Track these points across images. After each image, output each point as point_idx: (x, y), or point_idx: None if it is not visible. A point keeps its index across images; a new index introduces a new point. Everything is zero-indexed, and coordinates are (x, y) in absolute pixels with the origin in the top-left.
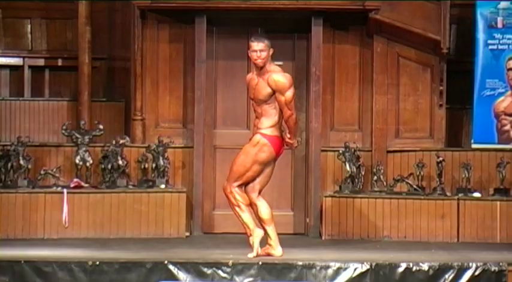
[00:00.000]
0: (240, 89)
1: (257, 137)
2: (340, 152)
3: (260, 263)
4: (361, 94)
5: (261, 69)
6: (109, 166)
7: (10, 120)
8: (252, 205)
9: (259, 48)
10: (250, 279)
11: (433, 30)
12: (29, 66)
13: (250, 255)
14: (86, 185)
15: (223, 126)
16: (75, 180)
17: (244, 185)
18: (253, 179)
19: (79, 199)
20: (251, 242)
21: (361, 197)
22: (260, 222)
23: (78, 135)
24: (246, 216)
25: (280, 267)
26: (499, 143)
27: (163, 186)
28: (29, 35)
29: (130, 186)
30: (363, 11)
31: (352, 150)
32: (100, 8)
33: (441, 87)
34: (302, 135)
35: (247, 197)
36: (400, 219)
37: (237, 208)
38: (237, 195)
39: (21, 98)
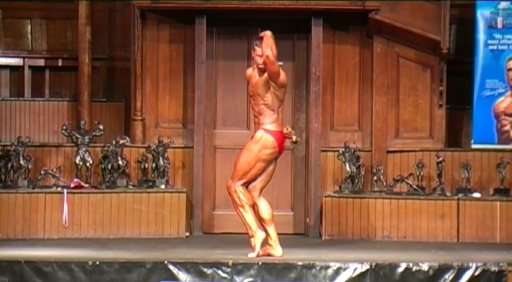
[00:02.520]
0: (240, 89)
1: (259, 133)
2: (340, 152)
3: (260, 263)
4: (361, 94)
5: (264, 72)
6: (109, 166)
7: (10, 121)
8: (253, 204)
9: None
10: (250, 279)
11: (433, 31)
12: (29, 67)
13: (251, 255)
14: (86, 185)
15: (223, 126)
16: (75, 180)
17: (248, 184)
18: (256, 177)
19: (79, 199)
20: (252, 244)
21: (361, 197)
22: (260, 221)
23: (78, 136)
24: (249, 217)
25: (280, 267)
26: (499, 143)
27: (163, 186)
28: (29, 35)
29: (130, 186)
30: (363, 11)
31: (352, 150)
32: (100, 8)
33: (441, 88)
34: (302, 135)
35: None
36: (400, 219)
37: (240, 208)
38: (241, 194)
39: (21, 98)
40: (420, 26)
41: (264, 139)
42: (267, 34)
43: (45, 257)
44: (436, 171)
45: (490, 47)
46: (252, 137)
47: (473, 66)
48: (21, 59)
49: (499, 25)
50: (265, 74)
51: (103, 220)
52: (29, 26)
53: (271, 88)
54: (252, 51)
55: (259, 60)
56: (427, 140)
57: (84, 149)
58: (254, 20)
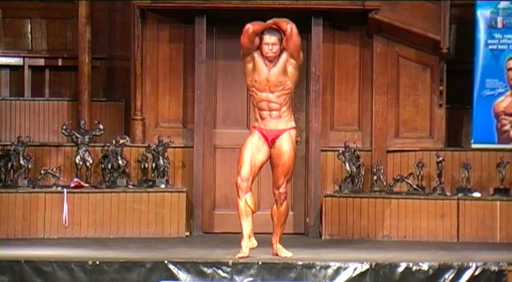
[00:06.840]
0: (240, 88)
1: (292, 132)
2: (340, 151)
3: (260, 262)
4: (361, 94)
5: (271, 62)
6: (109, 166)
7: (10, 120)
8: (241, 198)
9: (271, 41)
10: (250, 279)
11: (433, 30)
12: (29, 66)
13: (239, 255)
14: (86, 184)
15: (223, 126)
16: (75, 180)
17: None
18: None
19: (79, 199)
20: (253, 245)
21: (361, 197)
22: (246, 214)
23: (78, 135)
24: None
25: (280, 267)
26: (499, 143)
27: (163, 186)
28: (29, 35)
29: (130, 186)
30: (363, 11)
31: (352, 150)
32: (100, 8)
33: (441, 87)
34: (302, 135)
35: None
36: (400, 219)
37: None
38: None
39: (21, 98)
40: (420, 26)
41: (294, 137)
42: (275, 20)
43: (45, 257)
44: (436, 171)
45: (490, 47)
46: (278, 134)
47: (473, 66)
48: (21, 59)
49: (499, 25)
50: (282, 59)
51: (103, 220)
52: (29, 26)
53: (291, 69)
54: (260, 42)
55: (267, 49)
56: (427, 140)
57: (84, 148)
58: (254, 20)
